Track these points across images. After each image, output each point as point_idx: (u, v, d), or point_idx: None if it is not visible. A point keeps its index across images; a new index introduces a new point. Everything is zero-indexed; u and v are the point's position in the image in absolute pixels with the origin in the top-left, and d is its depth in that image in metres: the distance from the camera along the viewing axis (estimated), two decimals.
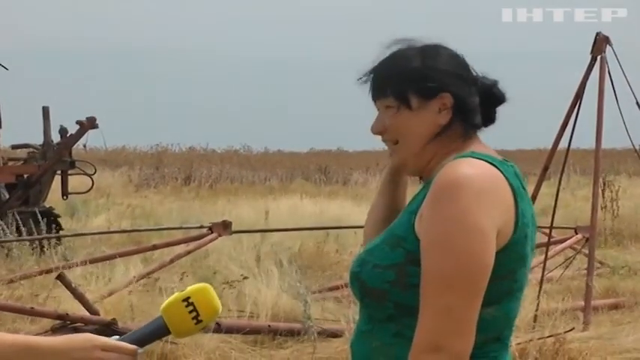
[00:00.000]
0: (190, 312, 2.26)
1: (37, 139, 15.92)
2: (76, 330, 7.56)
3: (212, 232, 10.91)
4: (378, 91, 2.43)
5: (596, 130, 8.62)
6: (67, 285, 8.08)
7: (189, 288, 2.29)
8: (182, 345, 7.67)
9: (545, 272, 9.15)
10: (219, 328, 7.87)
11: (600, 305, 9.25)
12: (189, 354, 7.65)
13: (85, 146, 16.42)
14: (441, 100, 2.38)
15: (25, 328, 8.31)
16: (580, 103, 8.50)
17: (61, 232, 14.51)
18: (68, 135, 15.45)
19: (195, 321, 2.26)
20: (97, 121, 15.27)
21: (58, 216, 15.43)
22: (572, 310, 8.87)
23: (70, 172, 15.83)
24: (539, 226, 11.92)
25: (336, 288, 10.03)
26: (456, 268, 2.23)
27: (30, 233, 13.59)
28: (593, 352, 7.56)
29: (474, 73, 2.44)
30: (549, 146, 8.99)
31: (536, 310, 8.40)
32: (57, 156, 15.37)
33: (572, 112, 8.50)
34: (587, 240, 10.01)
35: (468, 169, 2.28)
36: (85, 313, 7.99)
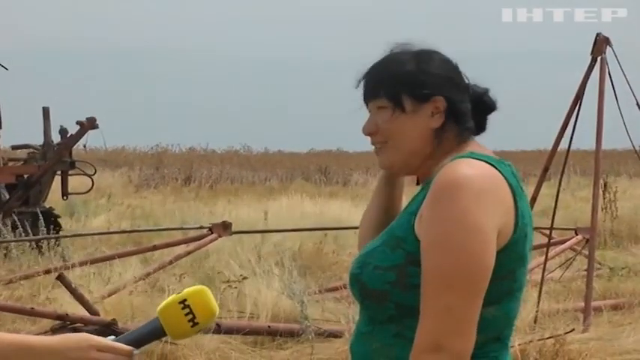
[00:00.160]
0: (186, 314, 2.26)
1: (37, 140, 15.93)
2: (76, 330, 7.55)
3: (212, 233, 10.92)
4: (372, 92, 2.44)
5: (597, 131, 8.61)
6: (67, 285, 8.08)
7: (185, 290, 2.29)
8: (182, 346, 7.67)
9: (546, 273, 9.14)
10: (219, 329, 7.87)
11: (600, 306, 9.24)
12: (189, 354, 7.65)
13: (85, 146, 16.41)
14: (434, 103, 2.40)
15: (24, 328, 8.31)
16: (580, 104, 8.49)
17: (61, 233, 14.51)
18: (68, 135, 15.44)
19: (191, 323, 2.26)
20: (97, 122, 15.26)
21: (58, 216, 15.43)
22: (573, 311, 8.87)
23: (70, 172, 15.82)
24: (540, 227, 11.97)
25: (336, 289, 10.03)
26: (456, 268, 2.23)
27: (30, 234, 13.58)
28: (593, 353, 7.56)
29: (466, 81, 2.45)
30: (549, 147, 8.99)
31: (537, 311, 8.39)
32: (57, 156, 15.36)
33: (573, 113, 8.50)
34: (587, 241, 10.01)
35: (467, 169, 2.29)
36: (85, 314, 7.99)
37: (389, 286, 2.33)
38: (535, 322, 8.26)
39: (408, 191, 2.48)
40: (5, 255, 12.79)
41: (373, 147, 2.47)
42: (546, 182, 9.47)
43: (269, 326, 8.27)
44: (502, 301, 2.33)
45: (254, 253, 12.28)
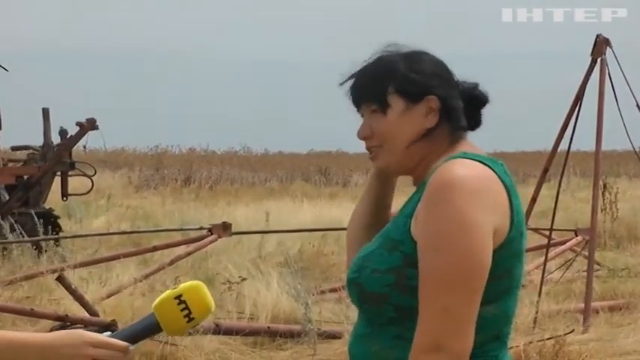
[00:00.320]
0: (182, 310, 2.25)
1: (37, 141, 15.92)
2: None
3: (212, 234, 10.91)
4: (363, 96, 2.43)
5: (597, 132, 8.62)
6: (67, 286, 8.08)
7: (181, 285, 2.28)
8: (182, 347, 7.67)
9: (545, 274, 9.15)
10: (218, 330, 7.87)
11: (600, 307, 9.25)
12: (188, 355, 7.65)
13: (84, 147, 16.41)
14: (427, 103, 2.40)
15: (24, 329, 8.31)
16: (580, 105, 8.50)
17: (61, 234, 14.51)
18: (68, 136, 15.43)
19: (187, 319, 2.26)
20: (97, 123, 15.25)
21: (58, 217, 15.42)
22: (572, 312, 8.87)
23: (69, 173, 15.81)
24: (540, 228, 11.98)
25: (336, 289, 10.03)
26: (453, 268, 2.24)
27: (30, 235, 13.58)
28: (592, 354, 7.57)
29: (456, 78, 2.46)
30: (549, 148, 9.00)
31: (536, 312, 8.39)
32: (57, 157, 15.36)
33: (573, 114, 8.51)
34: (587, 242, 10.01)
35: (461, 169, 2.29)
36: (85, 315, 7.99)
37: (388, 288, 2.33)
38: (535, 323, 8.26)
39: (407, 191, 2.48)
40: (4, 255, 12.79)
41: (368, 152, 2.46)
42: (546, 183, 9.47)
43: (269, 327, 8.27)
44: (500, 299, 2.34)
45: (254, 254, 12.29)
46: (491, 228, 2.27)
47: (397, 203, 2.55)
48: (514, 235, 2.32)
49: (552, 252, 10.44)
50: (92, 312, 8.06)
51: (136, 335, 2.28)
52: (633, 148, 8.85)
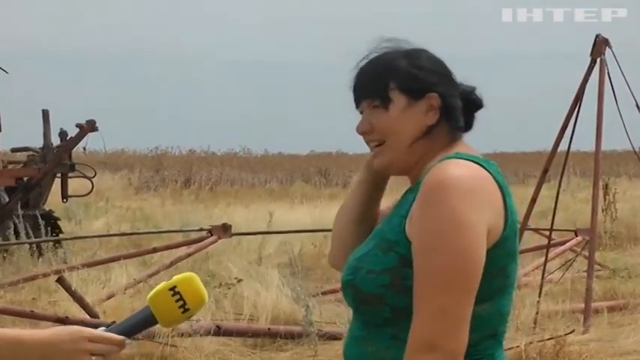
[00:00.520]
0: (177, 301, 2.27)
1: (37, 142, 15.93)
2: None
3: (212, 235, 10.92)
4: (364, 92, 2.44)
5: (596, 132, 8.62)
6: (67, 288, 8.09)
7: (175, 277, 2.30)
8: (182, 348, 7.67)
9: (545, 274, 9.15)
10: (218, 331, 7.87)
11: (600, 307, 9.24)
12: (188, 357, 7.64)
13: (84, 149, 16.42)
14: (428, 100, 2.40)
15: None
16: (580, 105, 8.50)
17: (61, 235, 14.51)
18: (68, 138, 15.44)
19: (182, 309, 2.27)
20: (97, 124, 15.27)
21: (58, 219, 15.43)
22: (572, 312, 8.87)
23: (69, 174, 15.82)
24: (540, 229, 11.97)
25: (336, 291, 10.03)
26: (447, 267, 2.24)
27: (30, 236, 13.58)
28: (593, 354, 7.57)
29: (455, 78, 2.46)
30: (549, 148, 8.99)
31: (537, 312, 8.39)
32: (57, 159, 15.36)
33: (572, 114, 8.51)
34: (587, 242, 10.01)
35: (456, 169, 2.30)
36: (85, 316, 8.00)
37: (383, 289, 2.33)
38: (535, 323, 8.26)
39: (396, 190, 2.47)
40: (5, 258, 12.79)
41: (368, 147, 2.46)
42: (546, 183, 9.47)
43: (269, 328, 8.27)
44: (495, 298, 2.34)
45: (254, 256, 12.29)
46: (486, 228, 2.27)
47: (384, 201, 2.56)
48: (508, 234, 2.33)
49: (552, 252, 10.44)
50: (92, 313, 8.07)
51: (131, 329, 2.30)
52: (633, 148, 8.85)
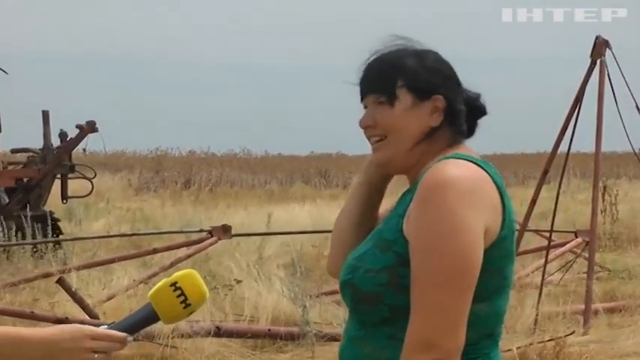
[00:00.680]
0: (178, 296, 2.27)
1: (37, 143, 15.95)
2: None
3: (212, 236, 10.92)
4: (371, 87, 2.44)
5: (596, 133, 8.62)
6: (67, 289, 8.09)
7: (175, 274, 2.30)
8: (182, 349, 7.67)
9: (545, 276, 9.15)
10: (219, 332, 7.87)
11: (600, 309, 9.24)
12: (188, 358, 7.64)
13: (84, 150, 16.45)
14: (434, 102, 2.41)
15: None
16: (580, 107, 8.50)
17: (61, 236, 14.51)
18: (68, 139, 15.46)
19: (183, 305, 2.27)
20: (97, 125, 15.28)
21: (58, 220, 15.43)
22: (572, 313, 8.87)
23: (69, 175, 15.83)
24: (540, 230, 11.97)
25: (335, 292, 10.02)
26: (444, 267, 2.25)
27: (30, 237, 13.58)
28: (593, 355, 7.57)
29: (462, 84, 2.47)
30: (549, 150, 8.99)
31: (537, 313, 8.39)
32: (57, 160, 15.37)
33: (572, 115, 8.51)
34: (587, 244, 10.01)
35: (454, 169, 2.30)
36: (85, 317, 7.99)
37: (382, 288, 2.34)
38: (535, 324, 8.26)
39: (395, 192, 2.47)
40: (7, 258, 12.80)
41: (369, 141, 2.46)
42: (546, 185, 9.48)
43: (269, 329, 8.27)
44: (492, 297, 2.35)
45: (254, 257, 12.29)
46: (483, 228, 2.28)
47: (383, 204, 2.56)
48: (505, 235, 2.33)
49: (552, 254, 10.44)
50: (92, 315, 8.07)
51: (133, 326, 2.30)
52: (633, 149, 8.85)
